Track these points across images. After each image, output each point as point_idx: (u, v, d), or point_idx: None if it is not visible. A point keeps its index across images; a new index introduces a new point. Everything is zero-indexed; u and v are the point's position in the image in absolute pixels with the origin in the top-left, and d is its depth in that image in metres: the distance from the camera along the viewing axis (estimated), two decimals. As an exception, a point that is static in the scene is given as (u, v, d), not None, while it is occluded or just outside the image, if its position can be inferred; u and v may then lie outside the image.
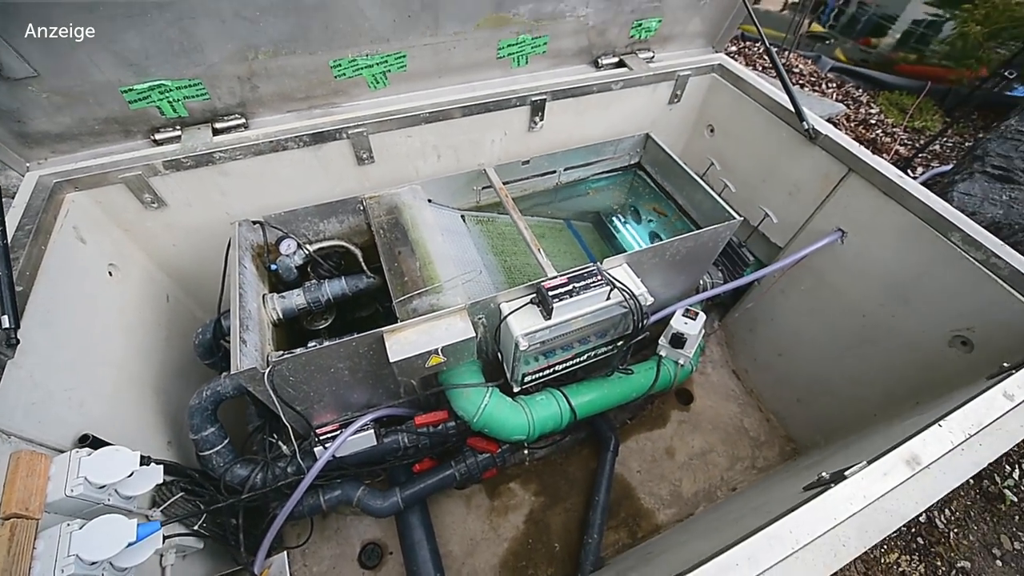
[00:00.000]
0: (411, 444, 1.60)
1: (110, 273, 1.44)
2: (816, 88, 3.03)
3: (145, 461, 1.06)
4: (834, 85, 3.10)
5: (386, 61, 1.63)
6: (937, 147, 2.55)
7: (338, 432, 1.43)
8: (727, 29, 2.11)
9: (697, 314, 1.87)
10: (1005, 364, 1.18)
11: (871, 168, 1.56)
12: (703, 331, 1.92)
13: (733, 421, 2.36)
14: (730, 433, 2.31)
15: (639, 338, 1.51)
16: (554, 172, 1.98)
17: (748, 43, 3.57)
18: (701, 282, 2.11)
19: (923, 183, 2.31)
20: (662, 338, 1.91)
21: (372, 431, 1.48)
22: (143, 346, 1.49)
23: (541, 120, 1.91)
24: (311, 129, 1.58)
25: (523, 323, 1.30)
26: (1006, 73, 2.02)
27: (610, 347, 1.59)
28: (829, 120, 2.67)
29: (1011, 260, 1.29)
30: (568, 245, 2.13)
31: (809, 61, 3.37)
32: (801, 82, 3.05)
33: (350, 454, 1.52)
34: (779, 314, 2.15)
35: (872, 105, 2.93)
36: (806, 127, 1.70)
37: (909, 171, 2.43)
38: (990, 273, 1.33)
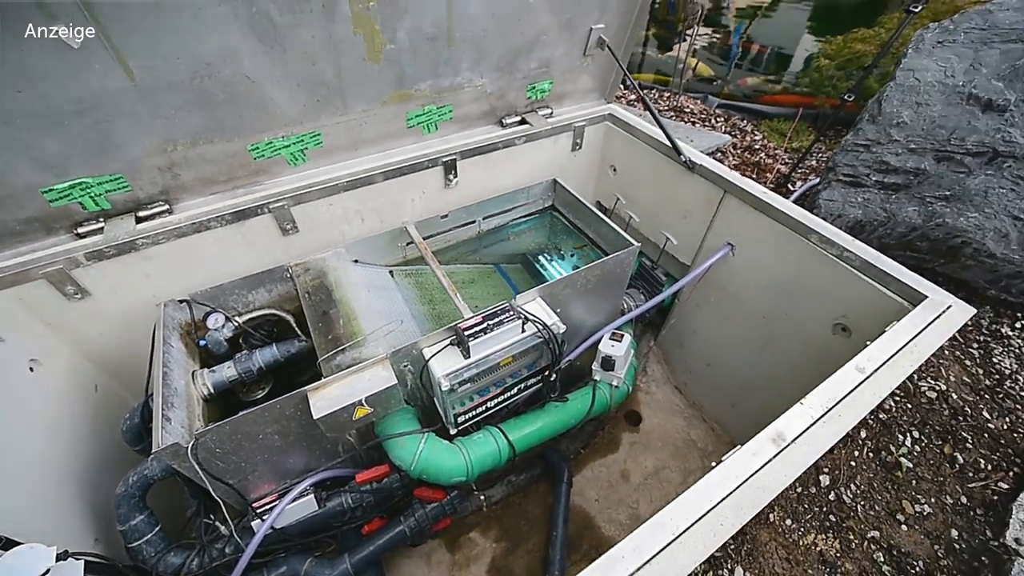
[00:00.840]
0: (356, 504, 1.59)
1: (31, 369, 1.43)
2: (706, 123, 3.42)
3: (62, 556, 1.04)
4: (722, 119, 3.51)
5: (302, 140, 1.77)
6: (814, 162, 2.90)
7: (276, 503, 1.43)
8: (613, 84, 2.40)
9: (623, 336, 2.00)
10: (867, 342, 1.35)
11: (741, 188, 1.79)
12: (631, 351, 2.05)
13: (681, 435, 2.45)
14: (680, 448, 2.40)
15: (561, 365, 1.61)
16: (474, 222, 2.14)
17: (646, 90, 4.00)
18: (624, 305, 2.27)
19: (802, 194, 2.64)
20: (594, 363, 2.02)
21: (312, 496, 1.48)
22: (70, 439, 1.46)
23: (455, 177, 2.08)
24: (233, 208, 1.67)
25: (444, 364, 1.38)
26: (845, 97, 2.39)
27: (538, 378, 1.68)
28: (718, 150, 3.00)
29: (860, 252, 1.50)
30: (498, 288, 2.25)
31: (699, 100, 3.80)
32: (693, 119, 3.44)
33: (292, 524, 1.50)
34: (699, 326, 2.32)
35: (756, 133, 3.32)
36: (683, 159, 1.94)
37: (789, 185, 2.74)
38: (846, 266, 1.53)
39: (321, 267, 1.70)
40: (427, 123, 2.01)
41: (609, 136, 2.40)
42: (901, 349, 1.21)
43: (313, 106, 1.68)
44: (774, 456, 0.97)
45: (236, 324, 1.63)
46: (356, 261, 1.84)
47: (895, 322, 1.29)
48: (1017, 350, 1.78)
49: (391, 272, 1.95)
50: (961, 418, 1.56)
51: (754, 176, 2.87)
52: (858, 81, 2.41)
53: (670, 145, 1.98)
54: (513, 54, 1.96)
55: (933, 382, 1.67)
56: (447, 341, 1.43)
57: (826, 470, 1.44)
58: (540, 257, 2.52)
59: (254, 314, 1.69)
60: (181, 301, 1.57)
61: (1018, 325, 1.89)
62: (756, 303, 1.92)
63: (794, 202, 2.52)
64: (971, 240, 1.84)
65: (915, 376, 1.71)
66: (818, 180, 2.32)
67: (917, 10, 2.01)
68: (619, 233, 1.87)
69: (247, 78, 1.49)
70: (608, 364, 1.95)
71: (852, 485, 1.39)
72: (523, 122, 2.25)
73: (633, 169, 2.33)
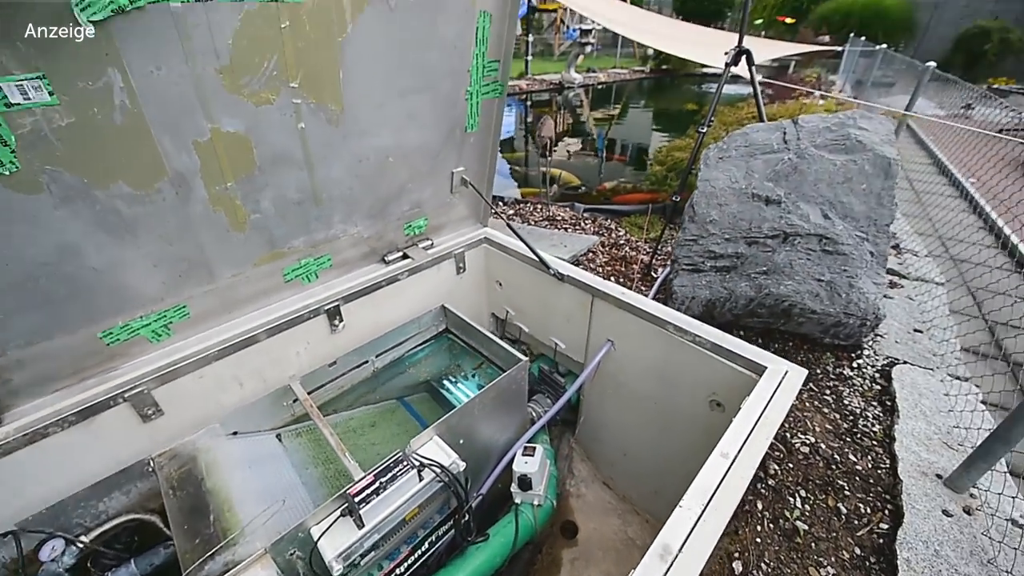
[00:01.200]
0: None
1: None
2: (577, 227, 3.86)
3: None
4: (590, 221, 3.99)
5: (164, 316, 1.68)
6: (669, 247, 3.35)
7: None
8: (485, 210, 2.66)
9: (535, 449, 2.00)
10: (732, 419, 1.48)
11: (605, 292, 2.00)
12: (547, 462, 2.04)
13: (619, 536, 2.39)
14: (620, 551, 2.32)
15: (472, 504, 1.55)
16: (367, 362, 2.12)
17: (521, 203, 4.49)
18: (532, 414, 2.30)
19: (662, 282, 3.03)
20: (513, 485, 1.96)
21: None
22: None
23: (341, 322, 2.08)
24: (79, 406, 1.49)
25: (336, 542, 1.26)
26: (674, 198, 2.88)
27: (449, 523, 1.59)
28: (589, 250, 3.38)
29: (708, 336, 1.71)
30: (403, 424, 2.18)
31: (568, 208, 4.33)
32: (565, 226, 3.88)
33: None
34: (606, 419, 2.40)
35: (619, 229, 3.83)
36: (552, 272, 2.14)
37: (652, 272, 3.12)
38: (701, 349, 1.73)
39: (190, 452, 1.54)
40: (305, 274, 2.04)
41: (489, 256, 2.60)
42: (757, 423, 1.35)
43: (175, 281, 1.64)
44: (666, 572, 0.99)
45: (81, 546, 1.38)
46: (235, 433, 1.70)
47: (747, 397, 1.45)
48: (860, 387, 2.09)
49: (279, 436, 1.81)
50: (834, 466, 1.73)
51: (623, 269, 3.24)
52: (681, 182, 2.96)
53: (539, 260, 2.18)
54: (383, 203, 2.12)
55: (804, 436, 1.86)
56: (337, 512, 1.32)
57: (736, 555, 1.48)
58: (444, 381, 2.51)
59: (107, 526, 1.45)
60: (4, 535, 1.31)
61: (855, 365, 2.23)
62: (644, 391, 2.06)
63: (657, 289, 2.90)
64: (795, 303, 2.21)
65: (788, 435, 1.89)
66: (670, 269, 2.67)
67: (703, 131, 2.61)
68: (508, 351, 1.96)
69: (94, 270, 1.43)
70: (525, 483, 1.91)
71: (762, 564, 1.44)
72: (405, 256, 2.37)
73: (515, 283, 2.51)
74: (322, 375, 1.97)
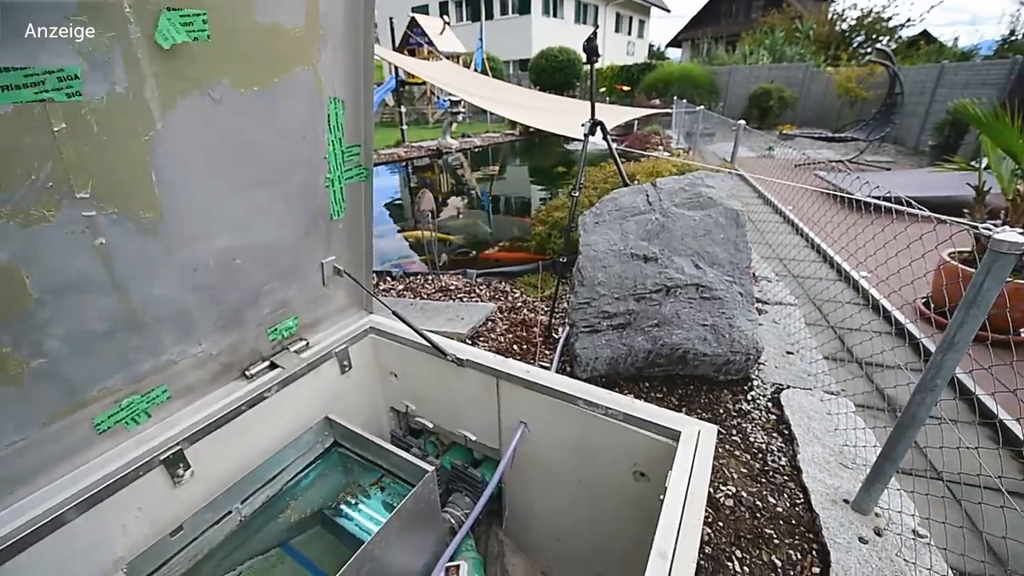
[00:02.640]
0: None
1: None
2: (472, 295, 3.76)
3: None
4: (485, 286, 3.93)
5: None
6: (566, 304, 3.38)
7: None
8: (367, 298, 2.40)
9: (459, 566, 1.71)
10: (661, 496, 1.38)
11: (507, 373, 1.85)
12: (474, 581, 1.75)
13: (567, 636, 2.12)
14: (570, 655, 2.05)
15: None
16: (230, 512, 1.67)
17: (412, 275, 4.30)
18: (451, 522, 2.01)
19: (564, 345, 3.04)
20: (437, 623, 1.63)
21: None
22: None
23: (186, 470, 1.63)
24: None
25: None
26: (560, 258, 2.93)
27: None
28: (487, 319, 3.27)
29: (618, 406, 1.63)
30: (288, 579, 1.74)
31: (460, 275, 4.24)
32: (460, 295, 3.76)
33: None
34: (533, 505, 2.19)
35: (515, 291, 3.80)
36: (450, 358, 1.95)
37: (553, 334, 3.09)
38: (614, 420, 1.64)
39: None
40: (129, 417, 1.58)
41: (378, 347, 2.33)
42: (685, 503, 1.26)
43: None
44: None
45: None
46: None
47: (670, 471, 1.37)
48: (759, 421, 2.19)
49: (94, 663, 1.29)
50: (758, 515, 1.73)
51: (524, 334, 3.17)
52: (564, 241, 3.04)
53: (433, 347, 1.98)
54: (234, 311, 1.78)
55: (725, 488, 1.86)
56: None
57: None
58: (341, 507, 2.11)
59: None
60: None
61: (750, 397, 2.36)
62: (566, 469, 1.91)
63: (560, 355, 2.88)
64: (688, 349, 2.30)
65: (712, 490, 1.87)
66: (569, 331, 2.65)
67: (576, 195, 2.74)
68: (409, 461, 1.69)
69: None
70: (452, 619, 1.60)
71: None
72: (274, 366, 2.00)
73: (411, 373, 2.26)
74: (164, 549, 1.49)
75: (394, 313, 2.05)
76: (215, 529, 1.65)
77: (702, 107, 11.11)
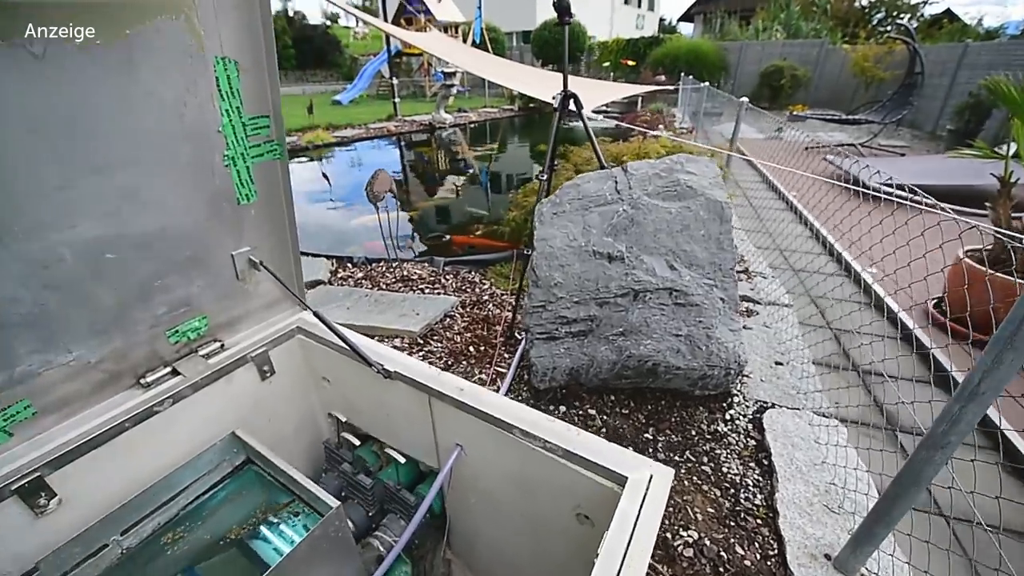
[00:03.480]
0: None
1: None
2: (436, 286, 3.48)
3: None
4: (452, 276, 3.64)
5: None
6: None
7: None
8: (299, 292, 2.13)
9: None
10: (595, 556, 1.13)
11: (439, 391, 1.59)
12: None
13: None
14: None
15: None
16: (107, 544, 1.44)
17: (374, 263, 4.00)
18: (378, 550, 1.78)
19: (521, 355, 2.76)
20: None
21: None
22: None
23: (52, 497, 1.39)
24: None
25: None
26: (525, 250, 2.63)
27: None
28: (446, 315, 3.00)
29: (560, 441, 1.37)
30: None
31: (426, 264, 3.94)
32: (422, 286, 3.48)
33: None
34: (478, 529, 1.97)
35: (484, 282, 3.51)
36: (376, 369, 1.69)
37: (516, 333, 2.82)
38: (555, 456, 1.38)
39: None
40: (-22, 439, 1.33)
41: (307, 349, 2.07)
42: (623, 564, 1.01)
43: None
44: None
45: None
46: None
47: (609, 526, 1.12)
48: (736, 447, 1.94)
49: None
50: (722, 568, 1.49)
51: (484, 332, 2.90)
52: (531, 230, 2.74)
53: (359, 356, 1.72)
54: (116, 313, 1.51)
55: (685, 533, 1.61)
56: None
57: None
58: (260, 528, 1.88)
59: None
60: None
61: (728, 416, 2.11)
62: (507, 500, 1.67)
63: (515, 369, 2.60)
64: (658, 362, 2.04)
65: (669, 535, 1.63)
66: (525, 338, 2.38)
67: (545, 178, 2.42)
68: (315, 494, 1.44)
69: None
70: None
71: None
72: (176, 373, 1.74)
73: (343, 380, 2.01)
74: (12, 597, 1.25)
75: (315, 314, 1.79)
76: (89, 565, 1.42)
77: (706, 84, 10.54)
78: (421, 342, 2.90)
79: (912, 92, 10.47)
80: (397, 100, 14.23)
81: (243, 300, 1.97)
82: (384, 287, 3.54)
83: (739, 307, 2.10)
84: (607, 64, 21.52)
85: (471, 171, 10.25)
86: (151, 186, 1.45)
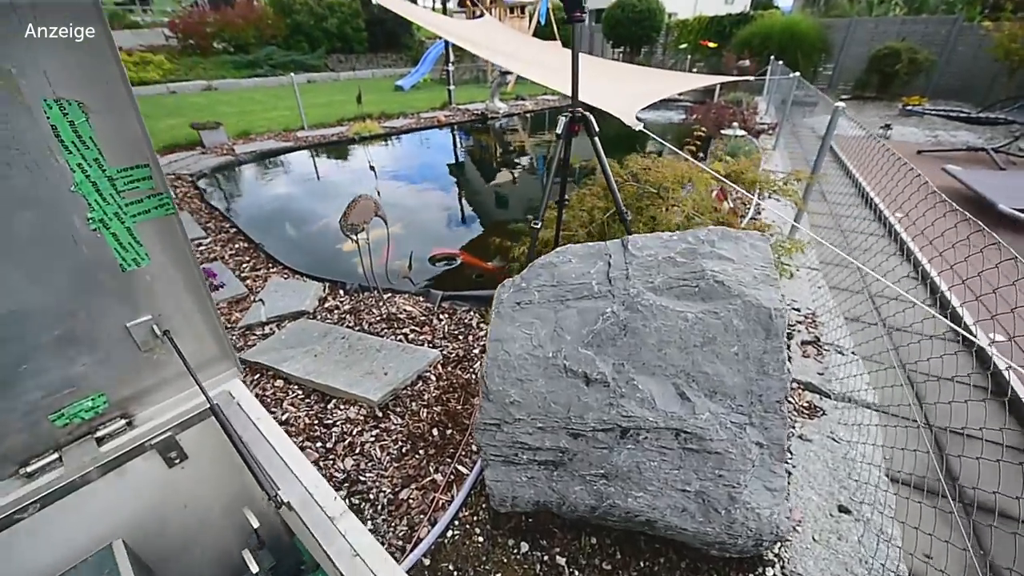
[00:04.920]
0: None
1: None
2: (424, 328, 3.03)
3: None
4: (446, 316, 3.17)
5: None
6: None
7: None
8: (225, 351, 1.78)
9: None
10: None
11: (323, 550, 1.14)
12: None
13: None
14: None
15: None
16: None
17: (367, 292, 3.60)
18: None
19: (476, 478, 2.16)
20: None
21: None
22: None
23: None
24: None
25: None
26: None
27: None
28: (419, 377, 2.53)
29: None
30: None
31: (420, 298, 3.49)
32: (406, 330, 3.04)
33: None
34: None
35: (481, 325, 3.02)
36: (269, 496, 1.30)
37: None
38: None
39: None
40: None
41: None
42: None
43: None
44: None
45: None
46: None
47: None
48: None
49: None
50: None
51: (460, 407, 2.41)
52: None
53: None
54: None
55: None
56: None
57: None
58: None
59: None
60: None
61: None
62: None
63: (473, 484, 1.95)
64: (654, 519, 1.46)
65: None
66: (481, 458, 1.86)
67: (537, 226, 1.87)
68: None
69: None
70: None
71: None
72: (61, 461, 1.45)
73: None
74: None
75: (213, 409, 1.41)
76: None
77: (796, 74, 9.05)
78: (379, 414, 2.42)
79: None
80: (452, 87, 13.81)
81: (153, 370, 1.63)
82: (367, 327, 3.11)
83: (784, 455, 1.45)
84: (684, 45, 19.62)
85: (520, 164, 9.89)
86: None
